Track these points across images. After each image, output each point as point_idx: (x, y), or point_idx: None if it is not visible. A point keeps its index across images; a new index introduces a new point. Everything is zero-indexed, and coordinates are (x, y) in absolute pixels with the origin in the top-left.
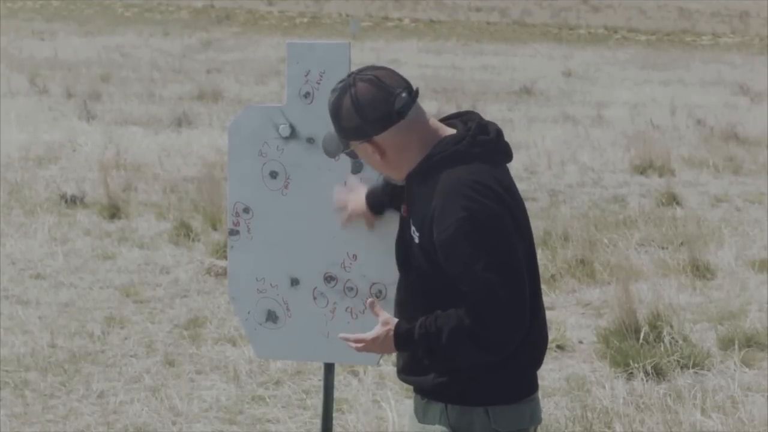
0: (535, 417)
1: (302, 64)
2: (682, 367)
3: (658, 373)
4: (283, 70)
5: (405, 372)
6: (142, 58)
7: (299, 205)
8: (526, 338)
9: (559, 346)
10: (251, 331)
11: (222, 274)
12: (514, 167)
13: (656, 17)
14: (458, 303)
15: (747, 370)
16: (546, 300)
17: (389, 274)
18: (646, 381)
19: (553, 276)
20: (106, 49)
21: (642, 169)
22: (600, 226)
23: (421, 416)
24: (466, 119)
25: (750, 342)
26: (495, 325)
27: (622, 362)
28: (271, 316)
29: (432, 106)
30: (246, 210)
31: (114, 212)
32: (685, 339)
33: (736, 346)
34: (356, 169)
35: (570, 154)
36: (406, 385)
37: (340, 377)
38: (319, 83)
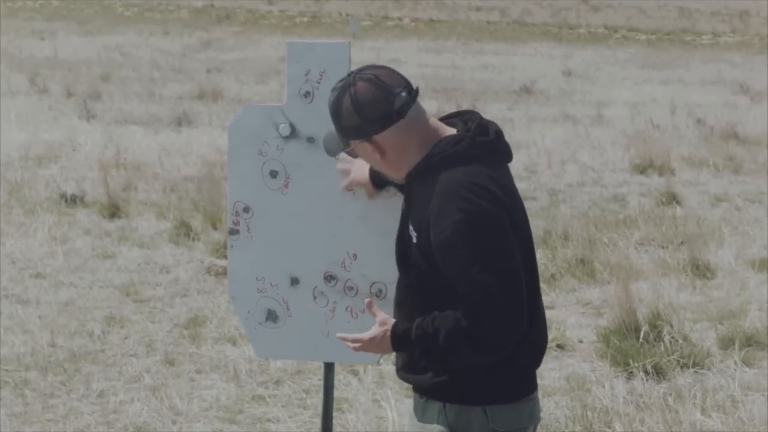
0: (533, 416)
1: (302, 63)
2: (682, 367)
3: (658, 373)
4: (283, 70)
5: (404, 370)
6: (142, 58)
7: (299, 205)
8: (525, 338)
9: (559, 346)
10: (251, 331)
11: (222, 273)
12: (514, 167)
13: (656, 16)
14: (457, 302)
15: (747, 369)
16: (546, 299)
17: (389, 274)
18: (646, 380)
19: (553, 275)
20: (106, 48)
21: (642, 169)
22: (600, 226)
23: (420, 415)
24: (466, 119)
25: (750, 341)
26: (491, 327)
27: (622, 362)
28: (271, 316)
29: (432, 106)
30: (246, 209)
31: (114, 211)
32: (685, 338)
33: (736, 346)
34: None
35: (570, 153)
36: (406, 385)
37: (340, 377)
38: (319, 82)
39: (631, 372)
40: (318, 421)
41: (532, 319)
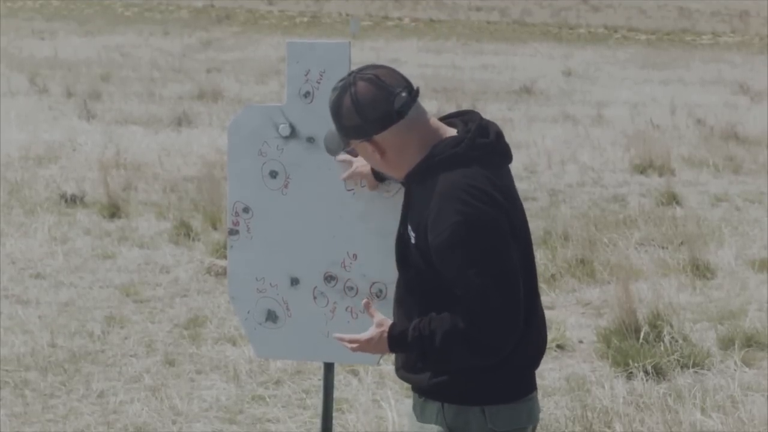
0: (532, 416)
1: (302, 63)
2: (682, 367)
3: (658, 373)
4: (283, 70)
5: (404, 369)
6: (142, 58)
7: (299, 205)
8: (524, 339)
9: (559, 346)
10: (251, 331)
11: (222, 273)
12: (514, 167)
13: (656, 17)
14: (455, 303)
15: (747, 369)
16: (546, 300)
17: (389, 274)
18: (646, 381)
19: (553, 275)
20: (106, 48)
21: (642, 169)
22: (600, 226)
23: (419, 415)
24: (466, 119)
25: (750, 342)
26: (488, 330)
27: (622, 362)
28: (271, 316)
29: (432, 106)
30: (246, 210)
31: (114, 212)
32: (685, 339)
33: (736, 346)
34: None
35: (570, 153)
36: (406, 385)
37: (340, 377)
38: (319, 83)
39: (631, 372)
40: (318, 422)
41: (531, 320)
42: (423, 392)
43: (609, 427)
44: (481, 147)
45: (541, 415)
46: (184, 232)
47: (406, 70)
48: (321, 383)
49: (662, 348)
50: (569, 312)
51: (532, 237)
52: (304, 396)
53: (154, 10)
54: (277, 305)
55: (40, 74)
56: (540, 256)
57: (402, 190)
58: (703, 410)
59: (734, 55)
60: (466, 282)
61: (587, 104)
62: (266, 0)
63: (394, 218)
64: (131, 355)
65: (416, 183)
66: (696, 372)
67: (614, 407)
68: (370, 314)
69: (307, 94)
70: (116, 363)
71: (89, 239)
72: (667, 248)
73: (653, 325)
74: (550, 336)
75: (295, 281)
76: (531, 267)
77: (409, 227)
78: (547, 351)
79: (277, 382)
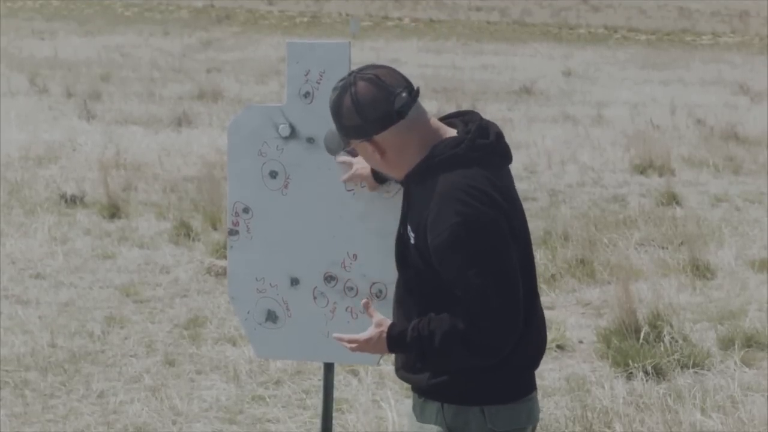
0: (532, 416)
1: (302, 63)
2: (682, 367)
3: (658, 373)
4: (283, 70)
5: (404, 369)
6: (142, 58)
7: (299, 205)
8: (524, 339)
9: (559, 346)
10: (251, 331)
11: (222, 273)
12: (514, 167)
13: (656, 17)
14: (455, 303)
15: (747, 370)
16: (546, 300)
17: (389, 274)
18: (646, 381)
19: (553, 276)
20: (106, 48)
21: (642, 169)
22: (600, 226)
23: (419, 415)
24: (466, 120)
25: (750, 342)
26: (487, 331)
27: (622, 362)
28: (271, 316)
29: (432, 106)
30: (246, 210)
31: (114, 212)
32: (685, 339)
33: (736, 346)
34: None
35: (570, 153)
36: (405, 385)
37: (340, 377)
38: (319, 83)
39: (631, 372)
40: (318, 422)
41: (530, 321)
42: (422, 392)
43: (609, 428)
44: (481, 148)
45: (541, 415)
46: (184, 232)
47: (406, 71)
48: (321, 383)
49: (662, 348)
50: (569, 312)
51: (532, 237)
52: (304, 396)
53: (154, 10)
54: (277, 305)
55: (40, 74)
56: (540, 256)
57: (402, 191)
58: (703, 410)
59: (734, 55)
60: (466, 282)
61: (587, 104)
62: (266, 0)
63: (394, 218)
64: (131, 355)
65: (415, 184)
66: (696, 372)
67: (614, 407)
68: (369, 314)
69: (307, 95)
70: (116, 363)
71: (89, 239)
72: (667, 248)
73: (653, 326)
74: (550, 336)
75: (295, 281)
76: (530, 267)
77: (409, 227)
78: (547, 351)
79: (277, 382)
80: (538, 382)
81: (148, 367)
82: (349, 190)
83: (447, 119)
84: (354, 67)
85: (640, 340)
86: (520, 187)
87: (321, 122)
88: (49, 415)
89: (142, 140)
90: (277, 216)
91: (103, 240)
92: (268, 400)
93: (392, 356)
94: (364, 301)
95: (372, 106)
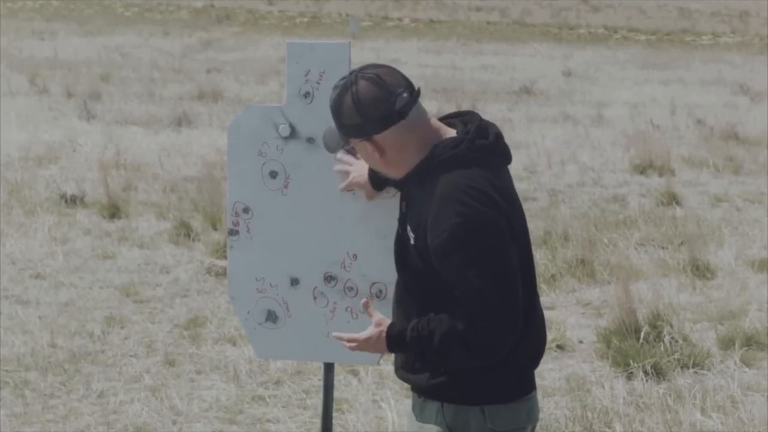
0: (531, 416)
1: (302, 63)
2: (682, 367)
3: (658, 373)
4: (283, 70)
5: (404, 369)
6: (142, 58)
7: (299, 205)
8: (523, 339)
9: (559, 346)
10: (251, 331)
11: (222, 273)
12: (514, 167)
13: (656, 17)
14: (454, 303)
15: (747, 369)
16: (546, 300)
17: (389, 274)
18: (646, 381)
19: (553, 276)
20: (106, 48)
21: (642, 169)
22: (600, 226)
23: (418, 414)
24: (466, 120)
25: (750, 342)
26: (487, 331)
27: (622, 362)
28: (271, 316)
29: (432, 106)
30: (246, 210)
31: (114, 212)
32: (685, 339)
33: (736, 346)
34: None
35: (570, 153)
36: (405, 385)
37: (340, 377)
38: (319, 83)
39: (631, 372)
40: (318, 422)
41: (530, 321)
42: (422, 392)
43: (609, 427)
44: (480, 148)
45: (540, 415)
46: (184, 232)
47: (406, 71)
48: (321, 383)
49: (662, 348)
50: (569, 312)
51: (532, 237)
52: (304, 396)
53: (154, 10)
54: (277, 305)
55: (40, 74)
56: (540, 256)
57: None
58: (703, 410)
59: (734, 55)
60: (465, 283)
61: (587, 104)
62: (266, 0)
63: (394, 219)
64: (131, 355)
65: (414, 184)
66: (696, 372)
67: (614, 407)
68: (369, 314)
69: (307, 95)
70: (116, 363)
71: (89, 239)
72: (667, 248)
73: (653, 325)
74: (550, 336)
75: (295, 281)
76: (530, 268)
77: (409, 228)
78: (547, 351)
79: (277, 382)
80: (538, 382)
81: (148, 367)
82: (349, 191)
83: (446, 119)
84: (354, 68)
85: (640, 340)
86: (520, 187)
87: (321, 122)
88: (49, 415)
89: (142, 140)
90: (277, 216)
91: (103, 240)
92: (268, 400)
93: (392, 356)
94: (363, 300)
95: (373, 106)
